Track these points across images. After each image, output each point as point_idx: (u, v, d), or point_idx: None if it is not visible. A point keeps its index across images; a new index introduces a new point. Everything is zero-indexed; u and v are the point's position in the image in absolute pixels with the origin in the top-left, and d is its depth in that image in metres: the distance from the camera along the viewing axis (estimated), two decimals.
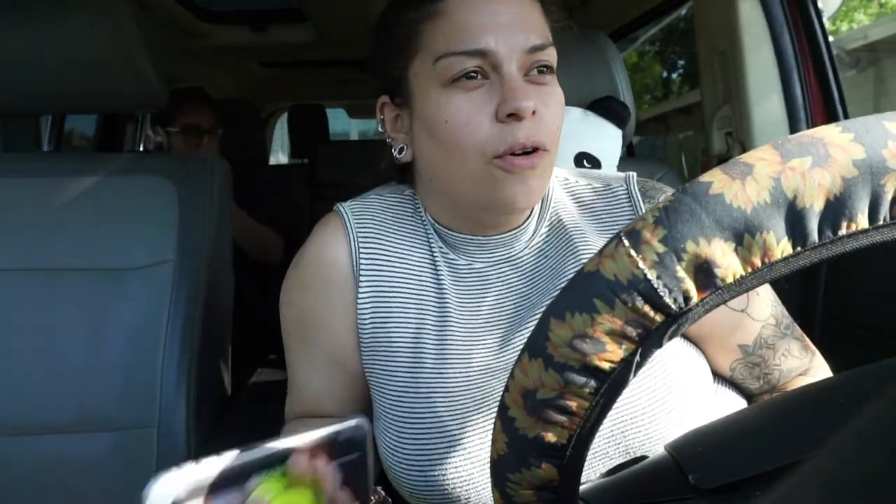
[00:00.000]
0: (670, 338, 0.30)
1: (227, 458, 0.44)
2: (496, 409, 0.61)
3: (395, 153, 0.67)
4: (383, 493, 0.63)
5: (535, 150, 0.59)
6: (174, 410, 0.94)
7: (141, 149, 2.52)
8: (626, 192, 0.70)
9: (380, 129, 0.69)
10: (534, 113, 0.58)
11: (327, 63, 2.89)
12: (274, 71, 3.08)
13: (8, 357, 0.94)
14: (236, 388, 1.14)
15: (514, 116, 0.58)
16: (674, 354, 0.63)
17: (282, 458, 0.47)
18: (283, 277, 0.73)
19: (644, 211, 0.68)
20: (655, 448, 0.60)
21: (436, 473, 0.61)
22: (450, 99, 0.59)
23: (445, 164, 0.62)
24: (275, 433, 0.76)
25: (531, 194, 0.61)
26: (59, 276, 0.97)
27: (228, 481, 0.44)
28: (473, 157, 0.59)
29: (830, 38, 1.29)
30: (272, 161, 4.64)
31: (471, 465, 0.61)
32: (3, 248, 0.97)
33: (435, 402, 0.63)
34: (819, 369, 0.69)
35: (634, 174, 0.72)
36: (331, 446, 0.49)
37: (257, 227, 1.77)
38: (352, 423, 0.50)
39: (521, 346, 0.64)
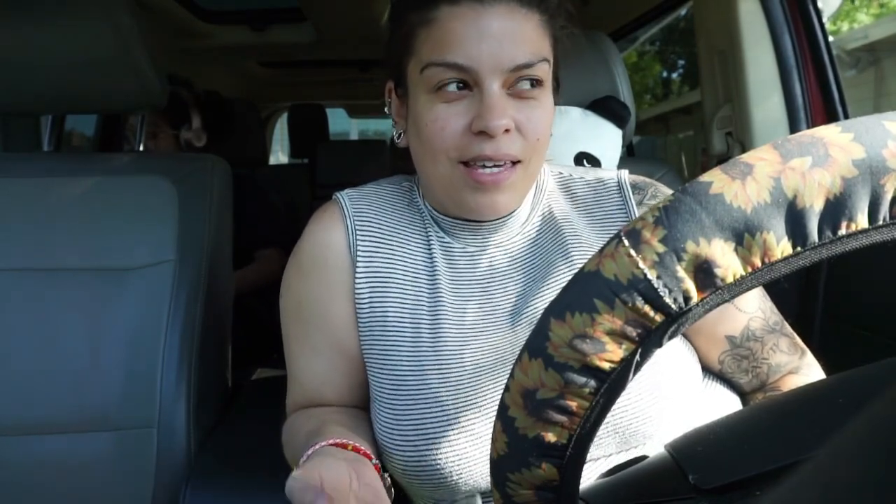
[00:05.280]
0: (670, 338, 0.30)
1: None
2: (490, 385, 0.63)
3: (395, 136, 0.70)
4: (389, 479, 0.64)
5: (514, 162, 0.61)
6: (174, 410, 0.94)
7: (141, 148, 2.52)
8: (617, 185, 0.73)
9: (386, 111, 0.72)
10: (507, 131, 0.60)
11: (327, 63, 2.89)
12: (274, 71, 3.09)
13: (8, 357, 0.94)
14: (236, 387, 1.14)
15: (484, 134, 0.59)
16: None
17: None
18: (281, 277, 0.74)
19: (633, 203, 0.70)
20: (644, 427, 0.62)
21: (431, 449, 0.62)
22: (433, 105, 0.61)
23: (422, 161, 0.65)
24: (276, 432, 0.76)
25: (497, 208, 0.63)
26: (59, 276, 0.97)
27: None
28: (442, 160, 0.62)
29: (830, 38, 1.29)
30: (272, 161, 4.64)
31: (465, 439, 0.62)
32: (3, 248, 0.97)
33: (430, 379, 0.64)
34: (810, 368, 0.70)
35: (626, 171, 0.74)
36: None
37: (266, 261, 1.77)
38: None
39: (515, 327, 0.66)
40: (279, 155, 6.82)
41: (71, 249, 0.98)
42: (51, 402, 0.93)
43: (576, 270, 0.68)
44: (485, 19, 0.59)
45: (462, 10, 0.59)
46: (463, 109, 0.60)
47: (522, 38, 0.60)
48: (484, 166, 0.61)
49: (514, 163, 0.61)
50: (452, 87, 0.60)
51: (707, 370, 0.70)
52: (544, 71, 0.62)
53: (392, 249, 0.70)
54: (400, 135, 0.69)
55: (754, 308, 0.67)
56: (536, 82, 0.62)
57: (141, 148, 2.53)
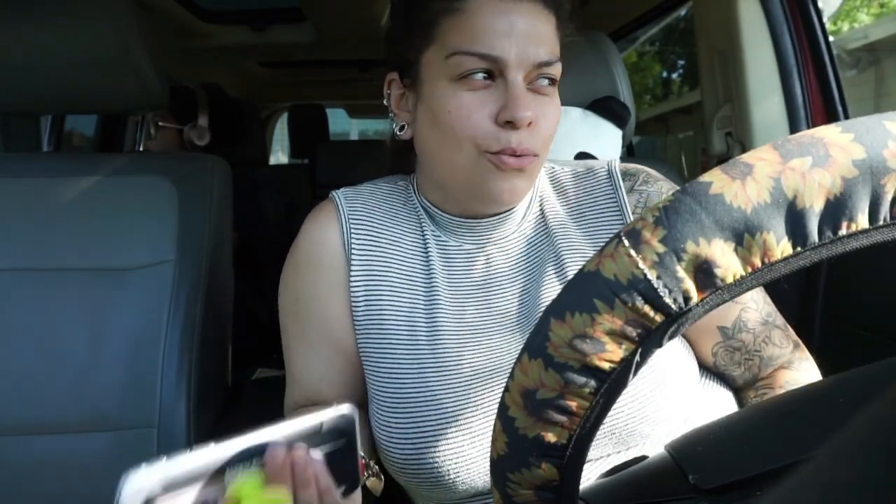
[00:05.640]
0: (670, 338, 0.30)
1: (201, 453, 0.43)
2: (488, 385, 0.64)
3: (395, 129, 0.70)
4: (377, 467, 0.64)
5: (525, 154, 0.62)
6: (174, 410, 0.94)
7: (141, 148, 2.52)
8: (607, 174, 0.73)
9: (384, 104, 0.71)
10: (530, 124, 0.61)
11: (327, 63, 2.89)
12: (274, 71, 3.08)
13: (8, 357, 0.94)
14: (236, 387, 1.14)
15: (511, 124, 0.60)
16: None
17: (260, 450, 0.46)
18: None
19: (623, 191, 0.71)
20: (641, 427, 0.62)
21: (429, 448, 0.62)
22: (456, 93, 0.61)
23: (440, 150, 0.65)
24: None
25: (515, 193, 0.64)
26: (59, 276, 0.97)
27: (204, 477, 0.43)
28: (466, 147, 0.62)
29: (830, 38, 1.29)
30: (272, 161, 4.64)
31: (462, 437, 0.62)
32: (3, 248, 0.97)
33: (428, 378, 0.64)
34: (801, 363, 0.70)
35: (617, 159, 0.75)
36: (314, 435, 0.48)
37: None
38: (338, 411, 0.49)
39: (512, 326, 0.66)
40: (279, 155, 6.82)
41: (71, 249, 0.98)
42: (51, 402, 0.93)
43: (566, 270, 0.68)
44: (514, 14, 0.60)
45: (493, 3, 0.60)
46: (487, 99, 0.61)
47: (544, 37, 0.62)
48: (506, 156, 0.61)
49: (532, 156, 0.62)
50: (479, 77, 0.61)
51: (702, 366, 0.71)
52: (558, 71, 0.64)
53: (387, 248, 0.70)
54: (402, 127, 0.69)
55: (747, 299, 0.68)
56: (552, 81, 0.64)
57: (141, 148, 2.53)
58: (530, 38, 0.61)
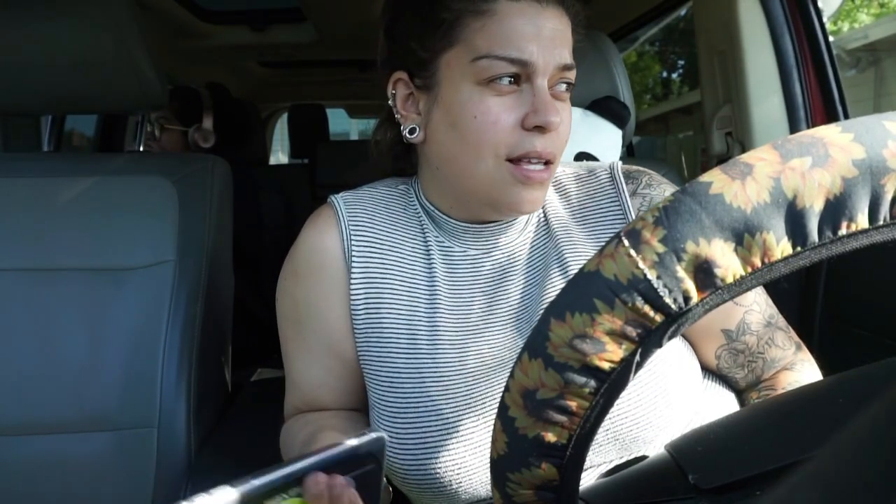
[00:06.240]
0: (670, 338, 0.30)
1: (241, 486, 0.44)
2: (489, 393, 0.63)
3: (404, 132, 0.67)
4: (385, 480, 0.64)
5: (546, 162, 0.62)
6: (174, 410, 0.94)
7: (141, 148, 2.52)
8: (609, 176, 0.73)
9: (389, 104, 0.68)
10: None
11: (327, 63, 2.89)
12: (274, 71, 3.08)
13: (8, 357, 0.94)
14: (236, 387, 1.14)
15: (540, 129, 0.60)
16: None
17: (298, 479, 0.46)
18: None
19: (626, 194, 0.70)
20: (644, 433, 0.62)
21: (430, 457, 0.62)
22: (482, 97, 0.60)
23: (459, 156, 0.63)
24: (275, 433, 0.76)
25: (536, 202, 0.64)
26: (59, 276, 0.97)
27: None
28: (488, 154, 0.61)
29: (830, 38, 1.29)
30: (272, 161, 4.64)
31: (464, 448, 0.62)
32: (3, 248, 0.97)
33: (429, 387, 0.63)
34: (805, 364, 0.70)
35: (619, 161, 0.74)
36: (349, 460, 0.49)
37: None
38: (371, 436, 0.50)
39: (514, 332, 0.65)
40: (279, 155, 6.82)
41: (71, 249, 0.97)
42: (51, 402, 0.93)
43: (569, 273, 0.68)
44: (542, 18, 0.60)
45: (521, 7, 0.60)
46: (513, 104, 0.60)
47: (566, 41, 0.62)
48: (530, 162, 0.61)
49: (547, 162, 0.62)
50: (505, 81, 0.60)
51: (704, 368, 0.70)
52: (574, 75, 0.64)
53: (388, 254, 0.69)
54: (413, 130, 0.66)
55: (750, 301, 0.67)
56: (569, 85, 0.64)
57: (141, 148, 2.52)
58: (555, 41, 0.61)
